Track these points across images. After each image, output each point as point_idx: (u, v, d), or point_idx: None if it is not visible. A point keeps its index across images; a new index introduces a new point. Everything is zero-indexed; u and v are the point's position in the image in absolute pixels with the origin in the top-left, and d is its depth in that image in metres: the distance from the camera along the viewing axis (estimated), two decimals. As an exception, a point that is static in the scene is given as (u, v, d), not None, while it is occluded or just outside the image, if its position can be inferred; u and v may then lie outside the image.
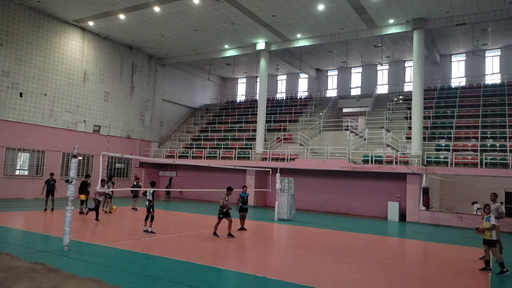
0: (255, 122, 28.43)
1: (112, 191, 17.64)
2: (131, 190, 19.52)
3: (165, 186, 26.65)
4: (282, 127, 29.14)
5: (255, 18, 23.16)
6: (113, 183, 18.47)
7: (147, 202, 12.49)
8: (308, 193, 24.44)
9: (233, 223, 12.70)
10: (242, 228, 13.88)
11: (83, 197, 16.49)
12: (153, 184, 13.09)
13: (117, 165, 28.34)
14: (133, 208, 19.19)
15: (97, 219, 14.54)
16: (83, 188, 16.68)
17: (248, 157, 26.40)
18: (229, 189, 12.82)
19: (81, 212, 16.04)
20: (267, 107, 28.74)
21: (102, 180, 16.24)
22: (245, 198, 14.13)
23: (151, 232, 12.22)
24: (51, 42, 24.22)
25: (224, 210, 12.34)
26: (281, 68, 34.67)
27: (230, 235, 12.18)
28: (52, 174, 17.92)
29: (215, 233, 12.17)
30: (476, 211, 20.86)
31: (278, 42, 26.90)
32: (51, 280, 0.81)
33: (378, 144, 23.94)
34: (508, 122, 22.27)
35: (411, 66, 27.66)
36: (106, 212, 17.21)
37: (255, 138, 27.67)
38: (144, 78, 30.81)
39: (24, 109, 22.71)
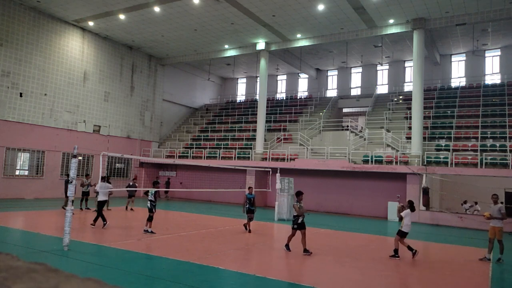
0: (255, 122, 28.43)
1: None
2: (127, 190, 19.42)
3: (164, 186, 26.84)
4: (282, 127, 29.14)
5: (255, 18, 23.16)
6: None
7: (149, 202, 12.42)
8: (308, 193, 24.20)
9: (234, 224, 12.64)
10: (248, 230, 13.76)
11: None
12: (155, 184, 13.00)
13: (117, 165, 28.35)
14: (128, 209, 18.98)
15: (93, 224, 13.13)
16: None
17: (248, 157, 26.40)
18: (299, 194, 10.56)
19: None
20: (267, 107, 28.74)
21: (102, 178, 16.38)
22: (252, 199, 13.95)
23: (151, 232, 12.21)
24: (51, 42, 24.22)
25: (300, 221, 10.24)
26: (281, 68, 34.67)
27: (306, 251, 10.10)
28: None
29: (287, 246, 10.47)
30: (466, 211, 20.94)
31: (278, 42, 26.90)
32: (51, 280, 0.81)
33: (378, 144, 23.95)
34: (508, 122, 22.27)
35: (411, 66, 27.66)
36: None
37: (255, 138, 27.68)
38: (144, 78, 30.81)
39: (24, 109, 22.71)
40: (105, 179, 14.44)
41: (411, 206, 10.48)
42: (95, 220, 13.07)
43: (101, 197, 13.30)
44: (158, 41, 27.81)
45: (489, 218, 10.61)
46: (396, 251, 10.12)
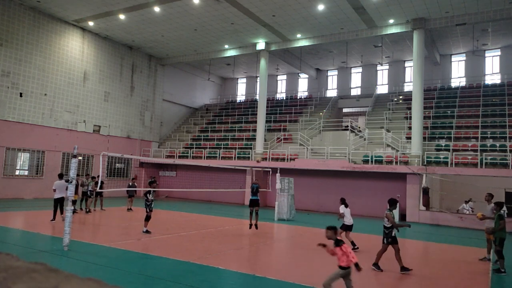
0: (255, 122, 28.43)
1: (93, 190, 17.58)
2: (127, 191, 19.45)
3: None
4: (282, 127, 29.15)
5: (255, 18, 23.16)
6: (96, 183, 17.90)
7: (144, 201, 12.52)
8: (308, 193, 24.43)
9: (234, 224, 12.63)
10: (250, 226, 13.70)
11: (75, 197, 16.47)
12: (150, 183, 13.03)
13: (117, 165, 28.35)
14: (128, 209, 19.01)
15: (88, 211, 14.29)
16: (76, 188, 16.66)
17: (248, 157, 26.40)
18: (394, 203, 8.89)
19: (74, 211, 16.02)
20: (267, 107, 28.74)
21: (93, 177, 17.60)
22: (255, 188, 14.04)
23: (146, 231, 12.18)
24: (51, 42, 24.22)
25: (393, 234, 8.75)
26: (281, 68, 34.67)
27: (405, 269, 8.64)
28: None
29: (377, 265, 8.83)
30: (465, 210, 20.76)
31: (278, 42, 26.90)
32: (51, 280, 0.81)
33: (378, 144, 23.95)
34: (508, 122, 22.27)
35: (411, 66, 27.66)
36: (87, 211, 17.17)
37: (255, 138, 27.68)
38: (144, 78, 30.81)
39: (24, 109, 22.71)
40: (62, 177, 14.71)
41: (343, 202, 11.58)
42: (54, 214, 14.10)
43: (57, 195, 14.05)
44: (158, 41, 27.81)
45: (482, 218, 10.41)
46: (353, 242, 11.08)
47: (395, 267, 9.28)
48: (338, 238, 5.71)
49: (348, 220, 11.24)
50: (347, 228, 11.22)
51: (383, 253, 8.83)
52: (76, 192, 16.50)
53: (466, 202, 20.88)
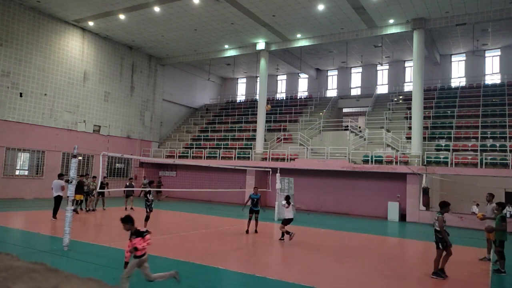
0: (255, 122, 28.42)
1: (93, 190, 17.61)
2: (124, 191, 19.51)
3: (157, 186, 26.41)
4: (282, 127, 29.14)
5: (255, 18, 23.16)
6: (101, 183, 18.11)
7: (145, 201, 12.56)
8: (308, 193, 24.43)
9: (234, 224, 12.62)
10: (246, 230, 13.70)
11: (78, 197, 16.52)
12: (150, 183, 13.05)
13: (117, 165, 28.34)
14: (128, 208, 19.01)
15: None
16: (80, 188, 16.68)
17: (248, 157, 26.40)
18: (445, 205, 8.75)
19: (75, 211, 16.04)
20: (267, 107, 28.73)
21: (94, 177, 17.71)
22: (255, 200, 13.77)
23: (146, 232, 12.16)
24: (51, 42, 24.22)
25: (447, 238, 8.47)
26: (281, 68, 34.67)
27: (439, 274, 8.35)
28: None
29: (439, 272, 8.39)
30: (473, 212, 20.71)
31: (278, 42, 26.90)
32: (51, 280, 0.81)
33: (378, 144, 23.95)
34: (508, 122, 22.27)
35: (411, 66, 27.65)
36: (87, 210, 17.20)
37: (255, 138, 27.68)
38: (144, 78, 30.81)
39: (24, 109, 22.71)
40: (59, 176, 15.15)
41: (287, 200, 12.55)
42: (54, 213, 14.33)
43: (54, 193, 14.43)
44: (158, 41, 27.81)
45: (482, 218, 10.39)
46: (282, 234, 12.28)
47: (393, 268, 9.26)
48: (140, 229, 5.79)
49: (289, 214, 12.49)
50: (287, 222, 12.43)
51: (440, 258, 8.42)
52: (81, 193, 16.57)
53: (477, 204, 20.72)
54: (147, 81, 31.02)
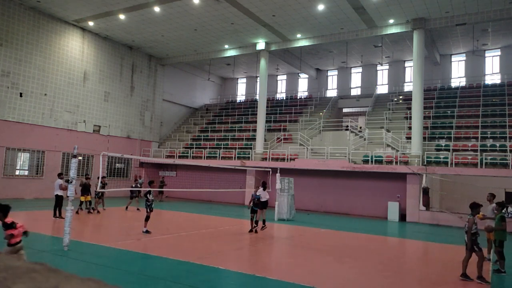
0: (255, 122, 28.43)
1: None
2: (130, 191, 19.58)
3: (159, 186, 26.35)
4: (282, 127, 29.15)
5: (255, 18, 23.16)
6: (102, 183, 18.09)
7: (145, 201, 12.56)
8: (308, 193, 24.43)
9: (234, 224, 12.62)
10: (250, 230, 13.68)
11: (83, 198, 16.56)
12: (150, 183, 13.05)
13: (117, 165, 28.34)
14: (128, 208, 19.02)
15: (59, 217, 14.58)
16: (86, 189, 16.70)
17: (248, 157, 26.40)
18: (476, 207, 8.44)
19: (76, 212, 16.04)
20: (267, 107, 28.73)
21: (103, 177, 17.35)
22: (257, 199, 13.82)
23: (146, 231, 12.18)
24: (51, 42, 24.22)
25: (477, 239, 8.33)
26: (281, 68, 34.67)
27: (481, 278, 8.13)
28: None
29: (465, 274, 8.32)
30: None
31: (278, 42, 26.90)
32: (51, 280, 0.81)
33: (378, 144, 23.95)
34: (508, 122, 22.27)
35: (411, 66, 27.65)
36: (89, 211, 17.18)
37: (255, 138, 27.68)
38: (144, 78, 30.81)
39: (24, 109, 22.71)
40: (59, 176, 15.47)
41: (263, 185, 13.94)
42: (58, 213, 14.65)
43: (54, 192, 14.88)
44: (158, 41, 27.81)
45: (482, 218, 10.35)
46: (264, 221, 13.75)
47: (393, 268, 9.27)
48: (7, 221, 5.84)
49: (265, 199, 13.77)
50: (264, 206, 13.57)
51: (469, 259, 8.33)
52: (87, 194, 16.59)
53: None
54: (147, 81, 31.02)
